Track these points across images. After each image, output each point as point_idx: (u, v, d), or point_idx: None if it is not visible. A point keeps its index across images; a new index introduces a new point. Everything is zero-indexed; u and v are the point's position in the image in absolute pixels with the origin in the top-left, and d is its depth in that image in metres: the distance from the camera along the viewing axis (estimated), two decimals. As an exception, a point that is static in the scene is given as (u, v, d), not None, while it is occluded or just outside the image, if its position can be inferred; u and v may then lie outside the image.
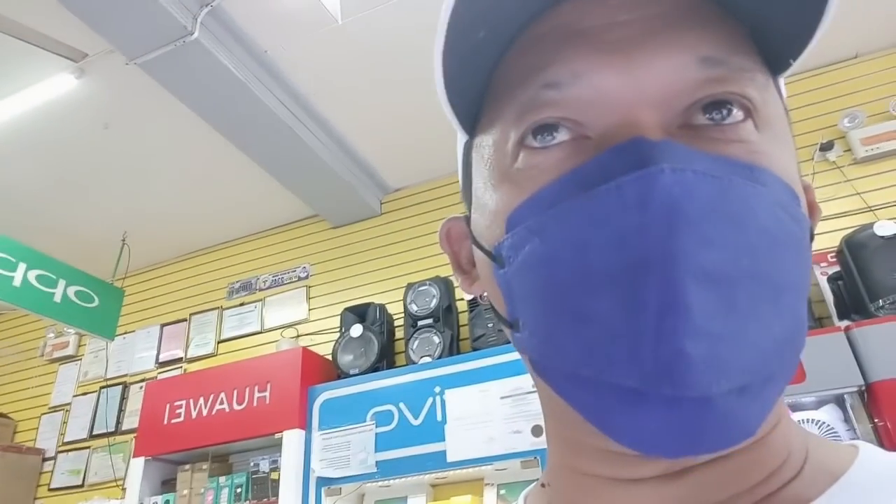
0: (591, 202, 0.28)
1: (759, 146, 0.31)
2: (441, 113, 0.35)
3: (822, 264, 2.21)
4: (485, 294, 0.40)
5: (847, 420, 1.76)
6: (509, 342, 0.36)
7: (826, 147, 2.44)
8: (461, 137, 0.39)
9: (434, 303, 2.58)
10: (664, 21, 0.31)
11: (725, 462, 0.31)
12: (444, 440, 2.20)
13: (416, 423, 2.28)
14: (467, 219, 0.41)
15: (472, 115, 0.36)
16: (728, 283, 0.26)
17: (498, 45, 0.34)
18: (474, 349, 2.41)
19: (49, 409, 3.72)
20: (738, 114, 0.31)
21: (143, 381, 3.41)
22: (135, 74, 2.32)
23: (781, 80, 0.35)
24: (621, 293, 0.27)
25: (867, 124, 2.44)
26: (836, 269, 2.11)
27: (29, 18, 2.18)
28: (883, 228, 1.95)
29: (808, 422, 1.76)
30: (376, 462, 2.25)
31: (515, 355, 2.26)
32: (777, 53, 0.33)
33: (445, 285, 2.63)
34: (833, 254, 2.15)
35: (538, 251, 0.30)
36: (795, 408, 1.80)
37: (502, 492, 2.27)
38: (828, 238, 2.25)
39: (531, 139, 0.32)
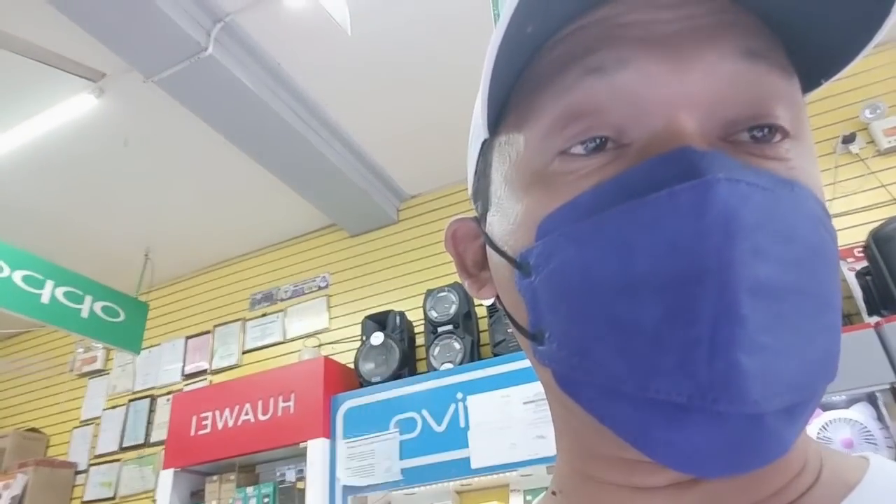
0: (642, 210, 0.27)
1: (796, 163, 0.31)
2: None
3: (850, 259, 2.16)
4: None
5: (880, 418, 1.72)
6: None
7: (848, 139, 2.39)
8: (481, 135, 0.37)
9: (454, 309, 2.58)
10: (708, 19, 0.31)
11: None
12: (467, 447, 2.19)
13: (439, 429, 2.28)
14: (477, 220, 0.40)
15: (496, 113, 0.35)
16: (778, 296, 0.26)
17: (538, 41, 0.33)
18: (495, 354, 2.40)
19: (80, 422, 3.78)
20: (777, 134, 0.31)
21: (169, 393, 3.45)
22: (152, 91, 2.36)
23: (806, 97, 0.34)
24: (673, 303, 0.26)
25: (889, 115, 2.38)
26: (864, 263, 2.06)
27: (49, 41, 2.23)
28: (911, 220, 1.90)
29: (839, 421, 1.72)
30: (401, 470, 2.25)
31: (537, 360, 2.26)
32: (810, 71, 0.33)
33: (464, 291, 2.61)
34: (860, 248, 2.10)
35: (577, 260, 0.29)
36: (826, 407, 1.76)
37: (528, 497, 2.25)
38: (854, 232, 2.20)
39: (579, 147, 0.31)
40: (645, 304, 0.27)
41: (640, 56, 0.30)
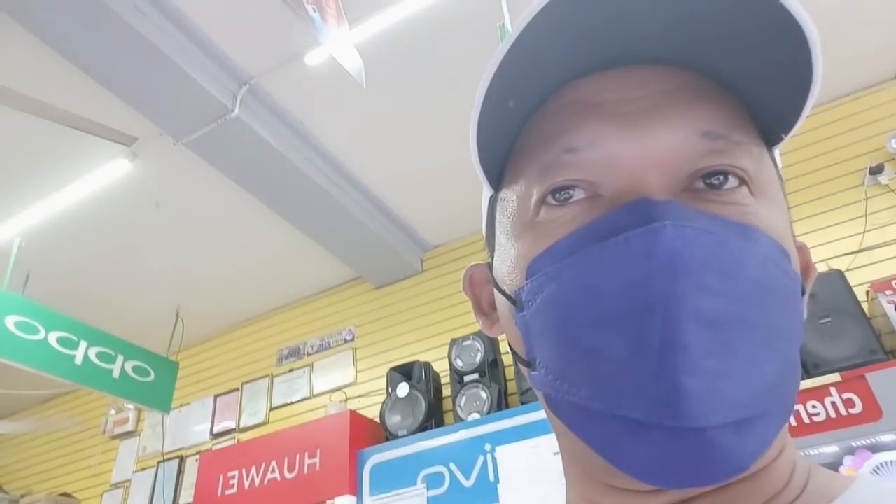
0: (602, 252, 0.31)
1: (753, 209, 0.34)
2: (474, 168, 0.39)
3: (888, 292, 2.07)
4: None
5: (937, 460, 1.60)
6: None
7: (876, 170, 2.34)
8: (486, 192, 0.43)
9: (479, 357, 2.53)
10: (670, 98, 0.35)
11: (727, 491, 0.33)
12: (498, 502, 2.10)
13: (468, 484, 2.20)
14: (489, 265, 0.44)
15: (498, 173, 0.41)
16: (722, 326, 0.29)
17: (524, 112, 0.38)
18: (522, 403, 2.33)
19: (111, 486, 3.78)
20: (733, 181, 0.34)
21: (198, 453, 3.43)
22: (182, 153, 2.46)
23: (776, 150, 0.39)
24: (628, 333, 0.30)
25: (918, 144, 2.33)
26: (904, 296, 1.97)
27: (83, 108, 2.35)
28: (950, 249, 1.82)
29: (890, 464, 1.60)
30: (429, 527, 2.17)
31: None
32: (770, 128, 0.37)
33: (490, 339, 2.58)
34: (898, 280, 2.02)
35: (555, 295, 0.34)
36: (875, 448, 1.65)
37: (564, 555, 2.14)
38: (890, 265, 2.13)
39: (551, 198, 0.36)
40: (609, 334, 0.31)
41: (609, 135, 0.34)
